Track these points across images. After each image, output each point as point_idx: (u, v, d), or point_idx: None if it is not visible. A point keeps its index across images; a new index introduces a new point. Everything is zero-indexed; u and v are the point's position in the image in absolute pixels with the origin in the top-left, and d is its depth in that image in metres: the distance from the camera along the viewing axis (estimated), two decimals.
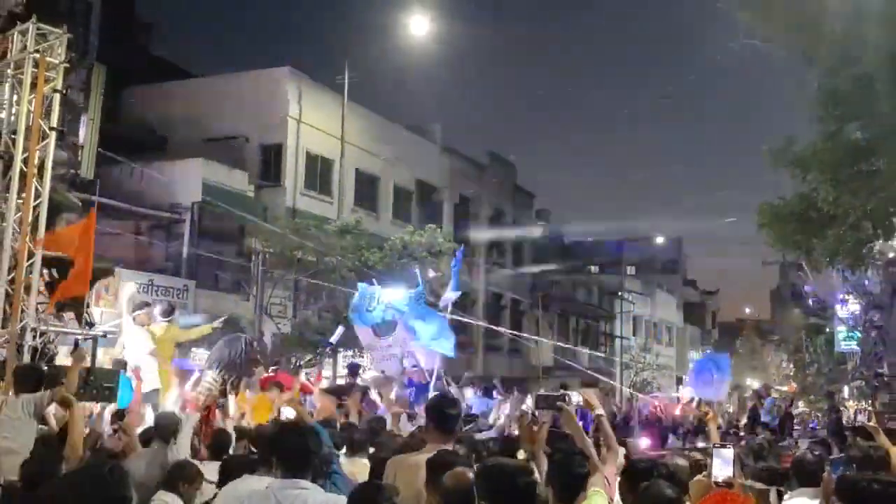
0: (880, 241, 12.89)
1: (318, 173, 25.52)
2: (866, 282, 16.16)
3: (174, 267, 20.65)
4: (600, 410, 6.09)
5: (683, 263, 60.47)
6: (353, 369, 14.22)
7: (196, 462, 6.46)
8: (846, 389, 28.51)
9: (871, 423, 7.80)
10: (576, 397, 6.43)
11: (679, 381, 53.53)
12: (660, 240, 51.69)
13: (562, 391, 7.45)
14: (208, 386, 9.59)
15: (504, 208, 36.57)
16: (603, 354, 42.77)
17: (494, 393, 15.71)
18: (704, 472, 4.42)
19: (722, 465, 4.33)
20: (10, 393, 6.79)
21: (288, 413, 8.55)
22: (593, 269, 50.29)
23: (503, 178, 36.45)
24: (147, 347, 10.43)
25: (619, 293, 45.50)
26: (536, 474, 3.86)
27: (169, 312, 11.80)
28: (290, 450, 4.30)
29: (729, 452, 4.35)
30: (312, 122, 25.15)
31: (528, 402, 15.86)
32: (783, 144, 12.69)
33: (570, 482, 4.29)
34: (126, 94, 24.31)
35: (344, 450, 6.77)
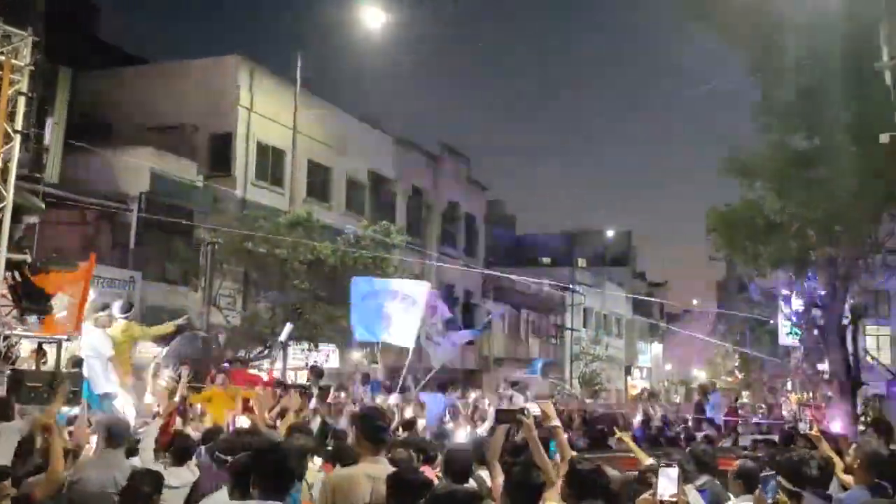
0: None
1: (270, 164, 25.20)
2: (808, 282, 16.48)
3: (120, 258, 20.23)
4: (556, 422, 6.16)
5: (633, 256, 61.27)
6: (318, 372, 13.86)
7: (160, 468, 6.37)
8: (789, 383, 29.15)
9: (814, 432, 7.99)
10: (532, 409, 6.48)
11: (628, 371, 54.37)
12: (610, 233, 52.31)
13: (521, 405, 7.51)
14: (164, 385, 9.56)
15: (457, 200, 36.57)
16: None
17: (448, 392, 15.65)
18: (650, 492, 4.46)
19: (667, 484, 4.37)
20: None
21: (242, 421, 8.45)
22: (545, 261, 50.67)
23: (456, 169, 36.46)
24: (107, 350, 10.37)
25: (570, 285, 45.91)
26: (486, 500, 3.86)
27: (127, 309, 11.66)
28: (271, 472, 4.18)
29: (674, 472, 4.40)
30: (263, 111, 24.81)
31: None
32: (731, 153, 12.87)
33: (527, 495, 4.31)
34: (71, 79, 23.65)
35: None
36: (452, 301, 35.66)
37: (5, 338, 9.50)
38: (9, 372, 9.18)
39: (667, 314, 69.31)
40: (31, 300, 9.67)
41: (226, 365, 14.65)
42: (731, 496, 6.29)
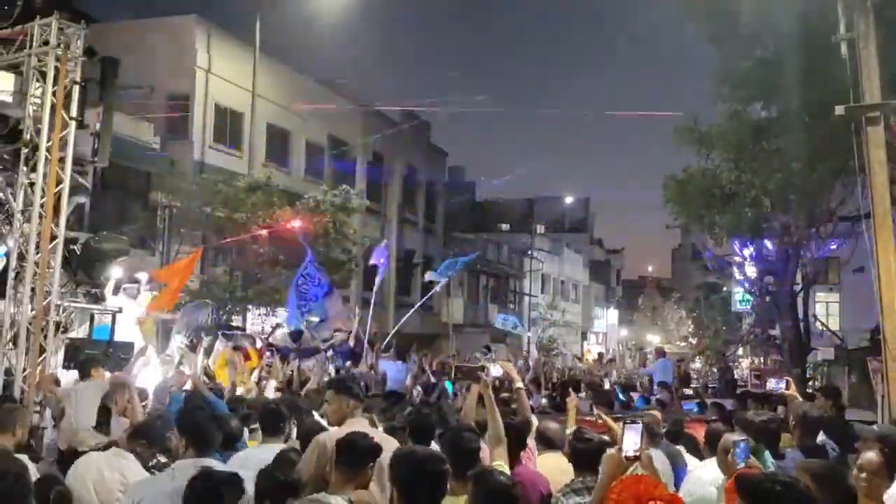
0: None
1: (228, 127, 24.85)
2: (764, 249, 16.81)
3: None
4: (519, 384, 6.30)
5: (591, 223, 61.77)
6: (296, 336, 13.68)
7: None
8: (741, 349, 29.83)
9: (790, 392, 7.98)
10: (496, 370, 6.58)
11: (584, 336, 55.06)
12: (569, 199, 52.66)
13: (480, 363, 7.62)
14: (178, 349, 9.83)
15: (417, 166, 36.47)
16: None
17: (407, 359, 15.70)
18: (616, 447, 4.56)
19: (632, 440, 4.43)
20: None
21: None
22: (504, 227, 50.89)
23: (416, 135, 36.31)
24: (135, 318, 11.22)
25: (529, 252, 46.22)
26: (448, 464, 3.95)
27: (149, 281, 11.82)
28: (194, 429, 4.36)
29: (638, 427, 4.46)
30: (222, 73, 24.40)
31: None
32: (689, 123, 13.00)
33: (462, 457, 4.40)
34: None
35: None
36: (412, 266, 35.73)
37: (63, 310, 10.03)
38: (67, 341, 9.86)
39: (623, 281, 70.36)
40: (85, 273, 10.25)
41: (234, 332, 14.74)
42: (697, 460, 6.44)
